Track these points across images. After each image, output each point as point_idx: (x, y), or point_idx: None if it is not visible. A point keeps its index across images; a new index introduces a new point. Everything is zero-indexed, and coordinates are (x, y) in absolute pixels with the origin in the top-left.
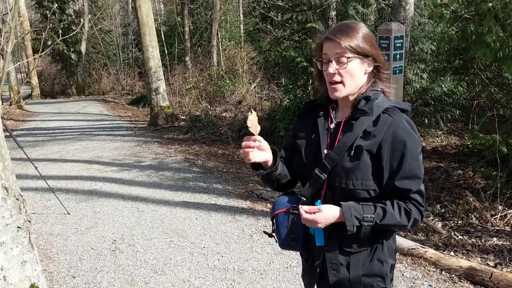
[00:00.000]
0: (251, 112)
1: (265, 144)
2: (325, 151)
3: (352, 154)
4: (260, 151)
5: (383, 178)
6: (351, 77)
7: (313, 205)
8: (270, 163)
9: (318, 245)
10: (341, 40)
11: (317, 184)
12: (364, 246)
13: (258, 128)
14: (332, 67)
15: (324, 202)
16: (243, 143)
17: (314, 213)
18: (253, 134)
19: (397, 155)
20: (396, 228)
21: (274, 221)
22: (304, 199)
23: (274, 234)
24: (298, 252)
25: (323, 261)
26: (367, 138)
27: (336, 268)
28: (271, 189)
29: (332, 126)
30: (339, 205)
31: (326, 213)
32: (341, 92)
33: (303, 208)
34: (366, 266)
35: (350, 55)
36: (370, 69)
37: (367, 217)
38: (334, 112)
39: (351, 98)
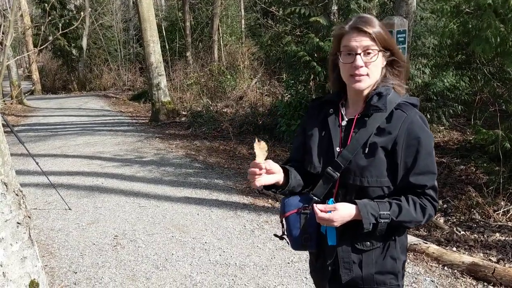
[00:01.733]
0: (256, 140)
1: (275, 167)
2: (338, 148)
3: (366, 151)
4: (268, 175)
5: (398, 175)
6: (376, 69)
7: (325, 204)
8: (281, 182)
9: (330, 244)
10: (371, 31)
11: (329, 182)
12: (377, 243)
13: (264, 156)
14: (360, 60)
15: (336, 201)
16: (250, 170)
17: (329, 211)
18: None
19: (412, 151)
20: (411, 224)
21: (284, 222)
22: (316, 198)
23: (285, 236)
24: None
25: (335, 259)
26: (381, 135)
27: (349, 267)
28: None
29: (344, 123)
30: (353, 203)
31: (342, 212)
32: (365, 83)
33: (318, 207)
34: (379, 263)
35: (378, 48)
36: (385, 63)
37: (383, 214)
38: (344, 109)
39: (365, 93)
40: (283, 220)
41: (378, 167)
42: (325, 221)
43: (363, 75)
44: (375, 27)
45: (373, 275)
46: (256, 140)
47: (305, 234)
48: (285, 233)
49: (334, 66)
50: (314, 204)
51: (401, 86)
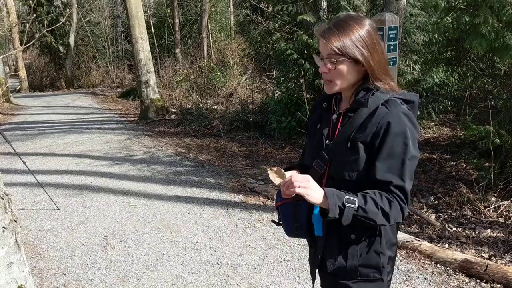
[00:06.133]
0: (269, 170)
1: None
2: (327, 141)
3: (349, 146)
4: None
5: (370, 168)
6: (342, 77)
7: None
8: None
9: (316, 235)
10: (329, 41)
11: (317, 174)
12: (362, 237)
13: (285, 176)
14: (323, 67)
15: None
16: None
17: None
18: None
19: (384, 148)
20: (378, 219)
21: (279, 211)
22: None
23: (281, 222)
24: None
25: (322, 249)
26: (362, 130)
27: (334, 257)
28: None
29: (334, 117)
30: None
31: (314, 184)
32: (332, 89)
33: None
34: (363, 257)
35: (338, 58)
36: (364, 68)
37: (350, 198)
38: (338, 103)
39: (352, 90)
40: (278, 208)
41: (358, 162)
42: (301, 187)
43: (327, 80)
44: (338, 39)
45: (357, 267)
46: (269, 169)
47: (296, 223)
48: (280, 221)
49: None
50: (292, 174)
51: (386, 84)
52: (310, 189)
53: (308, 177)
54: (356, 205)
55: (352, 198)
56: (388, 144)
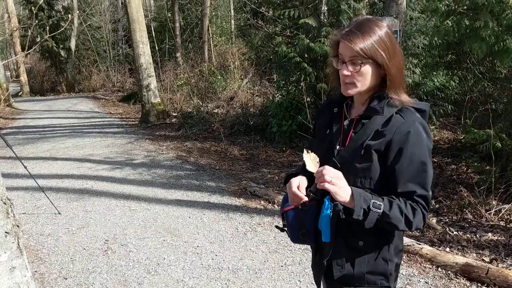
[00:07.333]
0: (305, 151)
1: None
2: (338, 147)
3: (362, 153)
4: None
5: (389, 179)
6: (364, 79)
7: (322, 202)
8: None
9: (324, 241)
10: (353, 44)
11: None
12: (371, 243)
13: (316, 166)
14: (346, 69)
15: (333, 199)
16: (295, 196)
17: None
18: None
19: (404, 158)
20: (401, 224)
21: (284, 217)
22: (313, 195)
23: (286, 228)
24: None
25: (329, 255)
26: (376, 138)
27: (341, 264)
28: None
29: (346, 123)
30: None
31: (343, 181)
32: (353, 90)
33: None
34: (371, 264)
35: (363, 60)
36: (384, 72)
37: (376, 202)
38: (349, 108)
39: (366, 96)
40: (283, 214)
41: (372, 170)
42: (332, 183)
43: (349, 83)
44: (363, 41)
45: (364, 274)
46: (305, 151)
47: (303, 229)
48: (285, 227)
49: (336, 69)
50: (326, 167)
51: (399, 96)
52: (340, 188)
53: (339, 174)
54: (381, 210)
55: (378, 202)
56: (408, 154)
